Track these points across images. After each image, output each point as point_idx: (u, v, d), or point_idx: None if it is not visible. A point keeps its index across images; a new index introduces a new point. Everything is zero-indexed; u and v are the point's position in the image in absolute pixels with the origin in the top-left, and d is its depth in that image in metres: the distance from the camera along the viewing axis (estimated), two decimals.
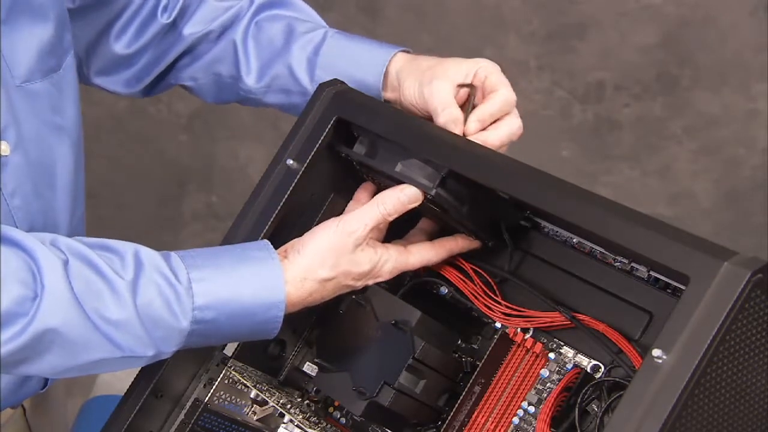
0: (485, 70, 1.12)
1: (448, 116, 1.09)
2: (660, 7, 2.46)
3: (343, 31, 1.22)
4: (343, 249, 1.03)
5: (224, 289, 0.99)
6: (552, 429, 1.00)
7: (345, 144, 1.09)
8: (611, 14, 2.48)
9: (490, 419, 1.04)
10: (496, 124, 1.10)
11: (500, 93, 1.11)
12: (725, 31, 2.46)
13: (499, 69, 1.14)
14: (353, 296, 1.09)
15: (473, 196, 1.04)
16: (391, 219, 1.04)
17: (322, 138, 1.08)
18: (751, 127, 2.49)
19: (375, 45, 1.19)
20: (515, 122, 1.11)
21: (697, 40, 2.48)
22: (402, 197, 1.04)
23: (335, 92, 1.10)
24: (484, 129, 1.09)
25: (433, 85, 1.11)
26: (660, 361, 0.83)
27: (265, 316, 1.00)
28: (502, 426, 1.04)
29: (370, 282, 1.06)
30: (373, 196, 1.07)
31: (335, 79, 1.13)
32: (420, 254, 1.07)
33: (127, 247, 0.98)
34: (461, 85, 1.11)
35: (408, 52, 1.19)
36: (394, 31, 2.63)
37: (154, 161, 2.52)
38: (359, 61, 1.17)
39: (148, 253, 0.98)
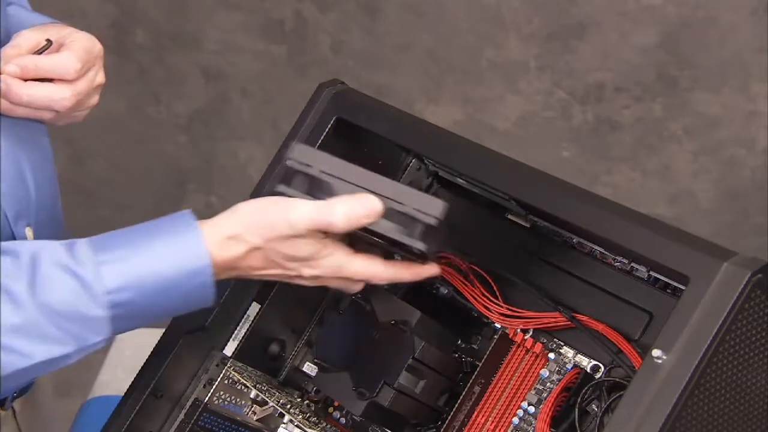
0: (73, 37, 1.08)
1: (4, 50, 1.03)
2: (660, 7, 2.47)
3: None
4: (280, 231, 0.99)
5: (139, 267, 0.97)
6: (552, 429, 1.01)
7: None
8: (611, 15, 2.49)
9: (489, 419, 1.05)
10: (40, 82, 1.06)
11: (62, 55, 1.06)
12: (725, 31, 2.47)
13: (92, 45, 1.09)
14: (353, 296, 1.09)
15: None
16: (339, 231, 0.98)
17: (322, 138, 1.09)
18: (751, 127, 2.50)
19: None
20: (59, 92, 1.06)
21: (697, 41, 2.50)
22: (360, 212, 0.97)
23: (335, 92, 1.11)
24: (25, 79, 1.05)
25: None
26: (660, 361, 0.84)
27: (192, 284, 0.98)
28: (501, 426, 1.05)
29: (306, 272, 1.01)
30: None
31: (335, 79, 1.13)
32: (366, 265, 1.02)
33: (24, 246, 0.96)
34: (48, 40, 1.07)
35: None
36: (393, 31, 2.64)
37: (154, 161, 2.53)
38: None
39: (47, 247, 0.96)
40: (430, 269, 1.03)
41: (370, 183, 0.98)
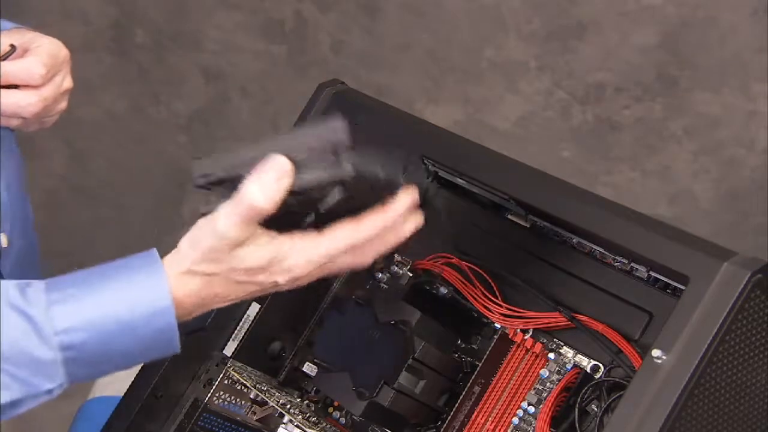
0: (38, 42, 1.06)
1: None
2: (660, 7, 2.48)
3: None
4: (219, 248, 0.94)
5: (92, 306, 0.92)
6: (552, 429, 1.01)
7: None
8: (611, 15, 2.50)
9: (489, 419, 1.05)
10: (6, 89, 1.05)
11: (27, 60, 1.05)
12: (725, 31, 2.47)
13: (58, 50, 1.08)
14: (354, 296, 1.10)
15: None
16: (268, 210, 0.91)
17: None
18: (751, 127, 2.51)
19: None
20: (25, 98, 1.05)
21: (697, 41, 2.50)
22: (270, 177, 0.90)
23: (335, 92, 1.12)
24: None
25: None
26: (660, 361, 0.84)
27: (152, 327, 0.93)
28: (501, 426, 1.05)
29: (279, 278, 0.95)
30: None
31: (335, 79, 1.14)
32: (335, 237, 0.94)
33: None
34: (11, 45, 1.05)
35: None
36: (393, 31, 2.65)
37: (154, 161, 2.55)
38: None
39: (2, 285, 0.92)
40: (404, 197, 0.95)
41: (269, 149, 0.92)
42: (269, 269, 0.94)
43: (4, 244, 1.07)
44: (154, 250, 0.94)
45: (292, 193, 0.91)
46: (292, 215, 0.94)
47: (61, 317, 0.89)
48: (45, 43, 1.06)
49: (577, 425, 1.01)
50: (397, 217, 0.94)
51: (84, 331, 0.90)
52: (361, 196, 0.93)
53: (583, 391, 1.02)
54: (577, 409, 1.01)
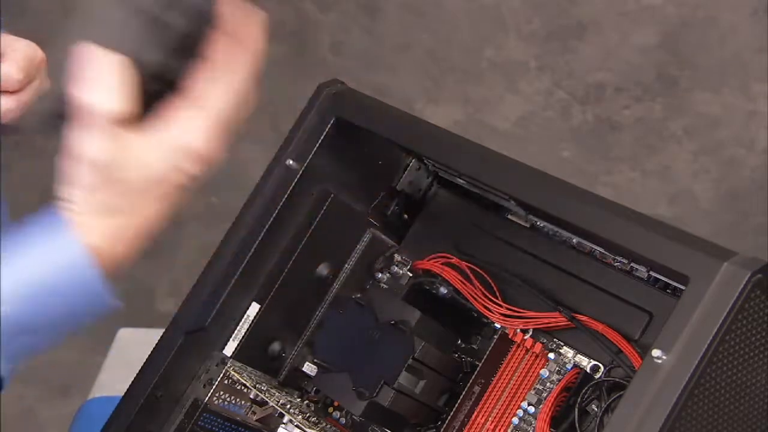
0: (13, 46, 1.04)
1: None
2: (660, 7, 2.47)
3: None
4: None
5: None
6: (552, 429, 1.00)
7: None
8: (611, 15, 2.49)
9: (489, 419, 1.05)
10: None
11: (2, 66, 1.03)
12: (725, 31, 2.46)
13: (34, 53, 1.05)
14: (353, 297, 1.09)
15: None
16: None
17: (321, 138, 1.09)
18: (751, 127, 2.50)
19: None
20: (4, 104, 1.03)
21: (697, 41, 2.49)
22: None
23: (334, 92, 1.11)
24: None
25: None
26: (660, 361, 0.83)
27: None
28: (501, 426, 1.04)
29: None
30: None
31: (335, 79, 1.13)
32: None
33: None
34: None
35: None
36: (393, 31, 2.64)
37: None
38: None
39: None
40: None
41: None
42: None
43: None
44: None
45: None
46: None
47: None
48: (20, 47, 1.05)
49: (577, 425, 1.00)
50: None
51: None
52: None
53: (583, 391, 1.01)
54: (577, 409, 1.00)
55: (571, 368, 1.03)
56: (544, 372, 1.04)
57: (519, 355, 1.06)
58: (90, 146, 0.86)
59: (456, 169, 1.06)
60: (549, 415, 1.00)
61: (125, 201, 0.89)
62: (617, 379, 0.99)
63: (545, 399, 1.02)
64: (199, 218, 2.70)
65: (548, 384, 1.03)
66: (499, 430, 1.04)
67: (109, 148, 0.85)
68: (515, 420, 1.03)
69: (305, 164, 1.08)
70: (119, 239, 0.90)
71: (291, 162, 1.08)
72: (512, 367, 1.06)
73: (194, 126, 0.87)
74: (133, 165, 0.87)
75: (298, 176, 1.08)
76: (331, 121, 1.09)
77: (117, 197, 0.89)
